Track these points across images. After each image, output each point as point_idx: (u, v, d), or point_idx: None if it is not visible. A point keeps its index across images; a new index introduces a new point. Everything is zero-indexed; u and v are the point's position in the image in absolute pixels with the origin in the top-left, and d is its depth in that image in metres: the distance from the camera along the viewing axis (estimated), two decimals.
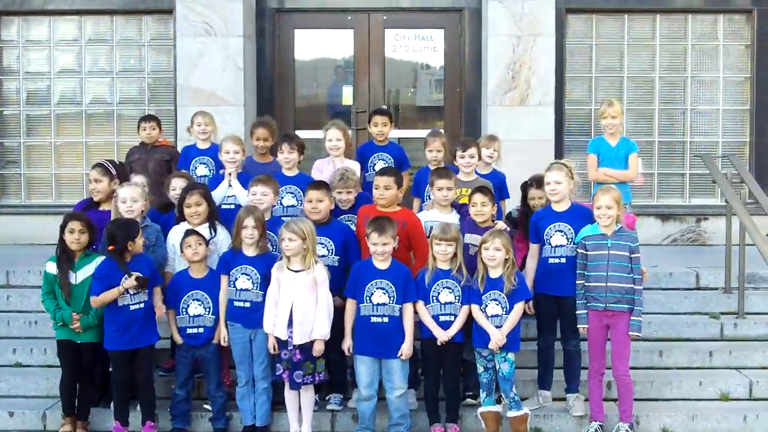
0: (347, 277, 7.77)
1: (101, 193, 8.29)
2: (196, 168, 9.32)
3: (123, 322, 7.58)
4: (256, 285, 7.68)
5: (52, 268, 7.78)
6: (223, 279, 7.79)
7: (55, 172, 13.16)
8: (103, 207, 8.25)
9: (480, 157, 8.84)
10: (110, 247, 7.52)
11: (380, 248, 7.49)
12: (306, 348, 7.49)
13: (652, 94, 12.86)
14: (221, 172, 8.88)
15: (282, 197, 8.55)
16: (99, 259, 7.71)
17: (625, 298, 7.62)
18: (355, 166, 8.91)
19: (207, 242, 7.90)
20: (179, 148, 10.46)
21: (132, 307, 7.57)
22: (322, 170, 9.05)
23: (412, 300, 7.54)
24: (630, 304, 7.63)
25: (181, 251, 7.89)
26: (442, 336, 7.55)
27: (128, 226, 7.67)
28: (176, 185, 8.57)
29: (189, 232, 7.87)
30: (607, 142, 9.29)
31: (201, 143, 9.56)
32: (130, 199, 8.03)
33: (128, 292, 7.54)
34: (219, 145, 9.03)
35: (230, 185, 8.71)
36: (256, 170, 8.79)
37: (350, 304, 7.60)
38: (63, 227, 7.76)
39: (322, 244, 7.79)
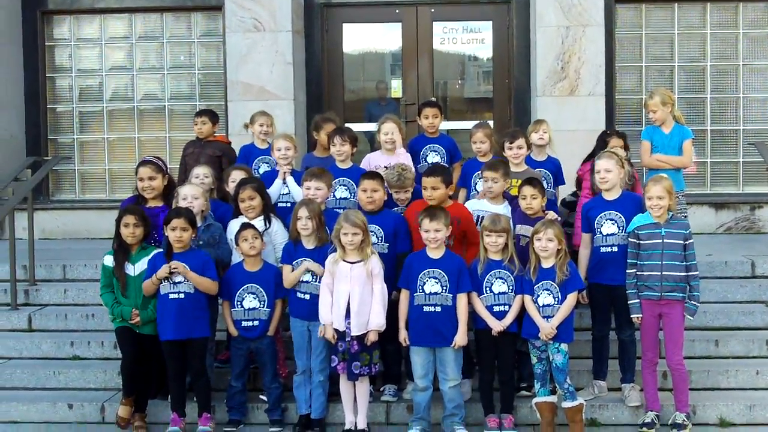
0: (397, 265, 7.80)
1: (155, 191, 8.27)
2: (258, 167, 9.38)
3: (165, 311, 7.68)
4: (316, 277, 7.72)
5: (109, 261, 7.86)
6: (286, 268, 7.82)
7: (108, 167, 13.35)
8: (151, 204, 8.25)
9: (529, 147, 8.81)
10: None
11: (432, 235, 7.48)
12: (363, 339, 7.52)
13: (704, 82, 12.76)
14: (276, 168, 8.94)
15: (335, 189, 8.57)
16: (155, 252, 7.81)
17: (679, 286, 7.57)
18: (407, 159, 8.91)
19: (262, 235, 7.94)
20: (233, 144, 10.53)
21: (171, 296, 7.65)
22: (374, 164, 9.06)
23: (466, 290, 7.53)
24: (683, 292, 7.59)
25: (237, 244, 7.93)
26: (496, 326, 7.54)
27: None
28: (236, 177, 8.61)
29: (245, 226, 7.90)
30: (661, 129, 9.24)
31: (260, 143, 9.65)
32: (191, 196, 8.07)
33: (168, 281, 7.62)
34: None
35: (284, 183, 8.76)
36: (316, 164, 8.83)
37: (404, 295, 7.60)
38: (118, 221, 7.84)
39: (372, 232, 7.80)
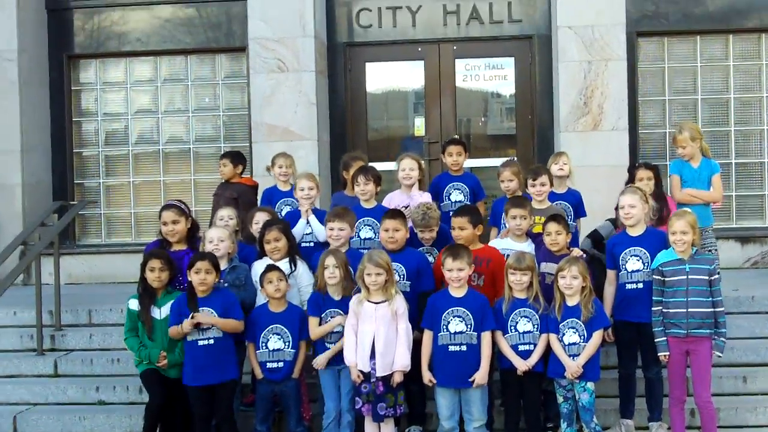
0: (419, 303, 7.78)
1: (179, 234, 8.30)
2: (281, 210, 9.38)
3: (193, 358, 7.65)
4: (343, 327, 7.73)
5: (134, 305, 7.88)
6: (313, 321, 7.82)
7: (133, 210, 13.42)
8: (175, 247, 8.28)
9: (552, 184, 8.79)
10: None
11: (455, 274, 7.47)
12: (388, 380, 7.49)
13: (727, 115, 12.70)
14: (298, 208, 8.96)
15: (360, 229, 8.59)
16: (180, 296, 7.81)
17: (706, 323, 7.51)
18: (425, 197, 8.91)
19: (287, 277, 7.94)
20: (260, 186, 10.58)
21: (200, 342, 7.63)
22: (394, 202, 9.05)
23: (490, 328, 7.49)
24: (710, 328, 7.52)
25: (261, 286, 7.92)
26: (521, 366, 7.50)
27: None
28: (259, 219, 8.62)
29: (270, 268, 7.88)
30: (689, 163, 9.22)
31: (282, 185, 9.66)
32: (217, 239, 8.10)
33: (198, 328, 7.61)
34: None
35: (308, 222, 8.78)
36: (346, 203, 8.86)
37: (427, 336, 7.57)
38: (143, 265, 7.86)
39: (394, 270, 7.75)
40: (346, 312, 7.67)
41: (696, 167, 9.24)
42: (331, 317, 7.75)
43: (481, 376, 7.42)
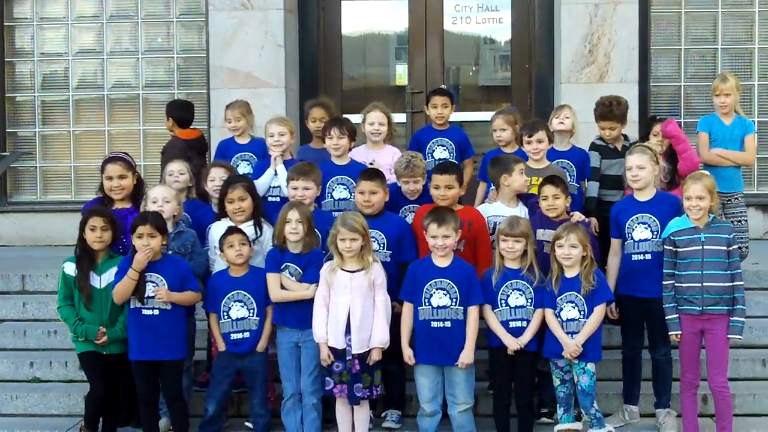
0: (400, 275, 7.82)
1: (125, 191, 8.29)
2: (237, 165, 9.35)
3: (137, 329, 7.67)
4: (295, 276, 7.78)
5: (70, 269, 7.84)
6: (273, 278, 7.82)
7: (74, 164, 13.35)
8: (118, 206, 8.26)
9: (551, 141, 8.82)
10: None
11: (440, 241, 7.50)
12: (364, 358, 7.54)
13: (751, 68, 12.74)
14: (269, 155, 8.96)
15: (332, 189, 8.61)
16: (125, 258, 7.76)
17: (723, 299, 7.54)
18: (395, 156, 8.90)
19: (251, 242, 7.95)
20: (214, 137, 10.56)
21: (144, 312, 7.64)
22: (358, 159, 9.06)
23: (478, 302, 7.53)
24: (728, 305, 7.55)
25: (221, 251, 7.92)
26: (512, 344, 7.54)
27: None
28: (215, 176, 8.62)
29: (231, 230, 7.90)
30: (721, 120, 9.25)
31: (239, 138, 9.62)
32: (162, 199, 8.07)
33: (138, 296, 7.61)
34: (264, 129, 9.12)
35: (276, 173, 8.80)
36: (312, 157, 8.91)
37: (407, 309, 7.61)
38: (83, 224, 7.82)
39: (373, 238, 7.82)
40: (304, 266, 7.74)
41: (728, 125, 9.26)
42: (290, 273, 7.77)
43: (465, 355, 7.47)
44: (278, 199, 8.70)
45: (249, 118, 9.65)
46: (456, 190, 8.00)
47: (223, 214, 8.27)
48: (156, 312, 7.65)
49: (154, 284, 7.63)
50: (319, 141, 9.37)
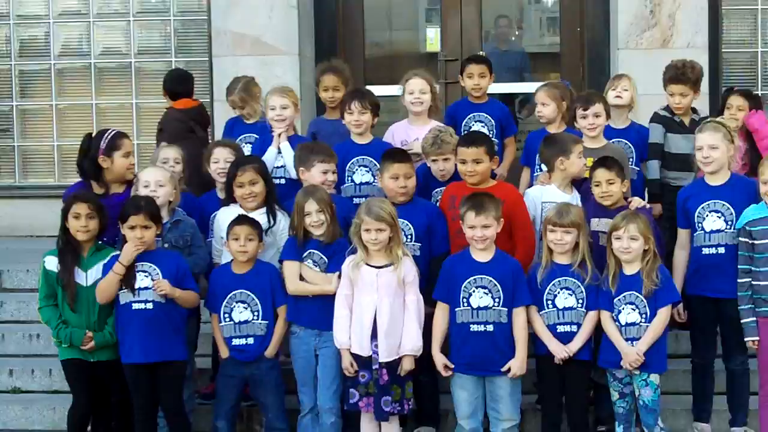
0: (431, 270, 7.83)
1: (113, 174, 8.33)
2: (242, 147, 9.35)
3: (128, 327, 7.64)
4: (320, 265, 7.79)
5: (52, 264, 7.81)
6: (291, 267, 7.82)
7: (57, 143, 13.40)
8: (96, 189, 8.30)
9: (608, 116, 8.77)
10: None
11: (479, 232, 7.46)
12: (394, 367, 7.53)
13: None
14: (272, 132, 8.96)
15: (353, 172, 8.63)
16: (113, 255, 7.74)
17: None
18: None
19: (262, 234, 7.92)
20: (218, 112, 10.55)
21: (135, 306, 7.60)
22: (398, 138, 9.07)
23: (525, 303, 7.53)
24: None
25: (225, 241, 7.91)
26: (560, 352, 7.54)
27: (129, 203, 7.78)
28: (219, 157, 8.62)
29: (241, 220, 7.86)
30: None
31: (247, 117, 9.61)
32: (155, 182, 8.03)
33: (128, 288, 7.59)
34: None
35: (279, 152, 8.80)
36: (327, 130, 8.96)
37: (441, 310, 7.60)
38: (65, 212, 7.79)
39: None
40: (330, 255, 7.75)
41: None
42: (313, 262, 7.77)
43: (517, 364, 7.45)
44: (283, 181, 8.73)
45: (254, 95, 9.60)
46: (486, 165, 7.97)
47: (231, 199, 8.26)
48: (149, 306, 7.61)
49: (147, 275, 7.62)
50: (333, 112, 9.38)
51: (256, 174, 8.15)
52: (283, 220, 8.17)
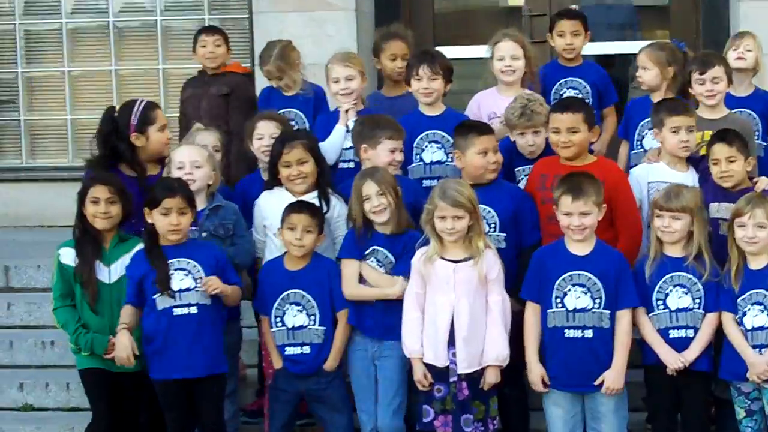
0: (519, 265, 7.84)
1: (148, 153, 8.36)
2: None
3: (169, 336, 7.61)
4: (383, 263, 7.79)
5: (68, 257, 7.83)
6: (350, 267, 7.83)
7: (70, 117, 13.50)
8: (128, 171, 8.33)
9: (730, 81, 8.72)
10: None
11: (576, 220, 7.42)
12: (475, 379, 7.50)
13: None
14: (337, 107, 8.95)
15: (422, 149, 8.63)
16: (139, 248, 7.76)
17: None
18: None
19: (323, 224, 7.90)
20: (260, 80, 10.56)
21: (177, 312, 7.59)
22: (486, 109, 9.08)
23: (631, 305, 7.49)
24: None
25: (280, 228, 7.87)
26: (673, 361, 7.49)
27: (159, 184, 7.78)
28: (264, 132, 8.63)
29: (299, 207, 7.83)
30: None
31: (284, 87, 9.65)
32: (190, 163, 8.05)
33: (166, 291, 7.57)
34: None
35: (348, 130, 8.77)
36: (386, 109, 8.86)
37: (532, 311, 7.58)
38: (83, 196, 7.82)
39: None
40: (393, 251, 7.75)
41: None
42: (377, 261, 7.78)
43: (612, 377, 7.41)
44: (353, 165, 8.70)
45: (293, 63, 9.67)
46: (583, 135, 7.98)
47: (275, 181, 8.28)
48: (193, 310, 7.60)
49: (186, 273, 7.61)
50: (393, 86, 9.45)
51: (305, 151, 8.15)
52: (338, 206, 8.20)
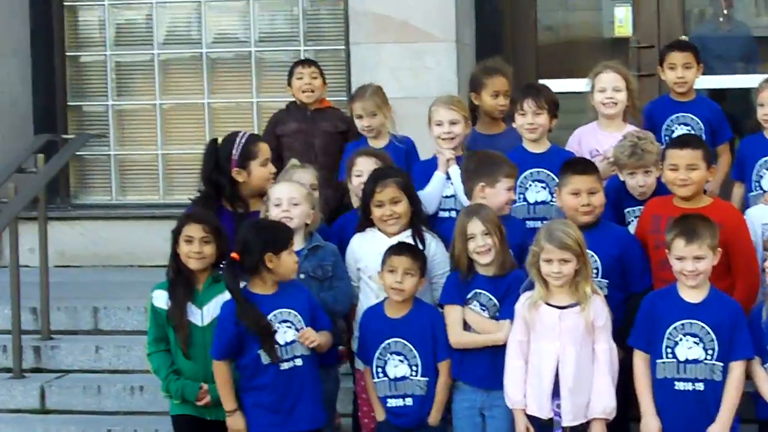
0: (627, 311, 7.77)
1: (250, 188, 8.37)
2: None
3: (271, 392, 7.55)
4: (489, 307, 7.73)
5: (161, 300, 7.84)
6: (452, 311, 7.78)
7: (162, 151, 13.59)
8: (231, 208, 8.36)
9: None
10: (233, 256, 7.50)
11: (690, 265, 7.31)
12: None
13: None
14: (435, 153, 8.88)
15: (525, 188, 8.60)
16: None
17: None
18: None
19: (425, 268, 7.85)
20: None
21: (284, 366, 7.54)
22: (586, 145, 9.06)
23: (745, 356, 7.36)
24: None
25: (379, 272, 7.84)
26: None
27: (267, 230, 7.67)
28: (363, 168, 8.60)
29: (399, 249, 7.80)
30: None
31: (374, 140, 9.61)
32: (288, 201, 8.04)
33: (269, 343, 7.48)
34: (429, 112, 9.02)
35: (448, 177, 8.74)
36: (486, 148, 8.78)
37: (641, 360, 7.50)
38: (176, 234, 7.83)
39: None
40: (501, 295, 7.69)
41: None
42: (480, 305, 7.71)
43: (717, 430, 7.31)
44: (454, 213, 8.59)
45: (386, 110, 9.65)
46: (702, 174, 7.89)
47: (368, 221, 8.27)
48: (299, 362, 7.54)
49: (289, 324, 7.55)
50: (491, 124, 9.43)
51: (398, 190, 8.11)
52: (433, 243, 8.17)
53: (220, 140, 8.53)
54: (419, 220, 8.23)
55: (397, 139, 9.51)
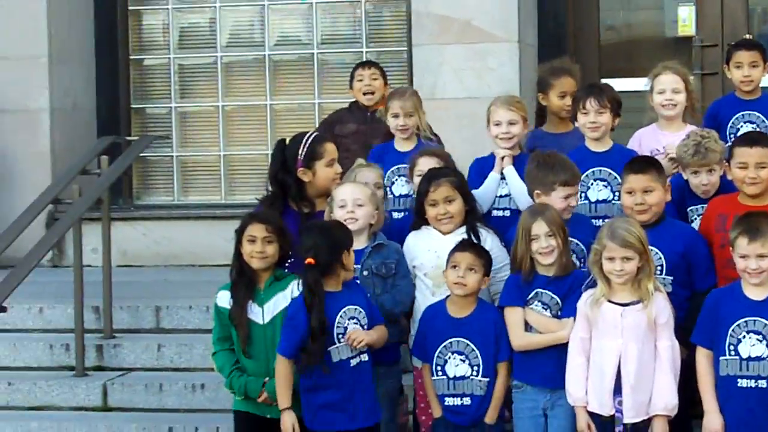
0: (691, 310, 7.71)
1: (315, 188, 8.33)
2: (392, 184, 9.28)
3: (338, 389, 7.53)
4: (551, 307, 7.68)
5: (224, 300, 7.85)
6: (513, 313, 7.73)
7: (224, 153, 13.64)
8: (297, 207, 8.31)
9: None
10: (308, 261, 7.44)
11: (753, 263, 7.23)
12: (641, 430, 7.36)
13: None
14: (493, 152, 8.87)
15: (587, 186, 8.54)
16: (295, 284, 7.71)
17: None
18: None
19: (490, 266, 7.81)
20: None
21: (353, 362, 7.54)
22: (646, 145, 9.00)
23: None
24: None
25: (444, 271, 7.81)
26: None
27: (336, 231, 7.66)
28: (424, 167, 8.55)
29: (461, 246, 7.78)
30: None
31: (401, 143, 9.49)
32: (353, 202, 8.02)
33: (340, 338, 7.49)
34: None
35: (503, 178, 8.74)
36: (553, 147, 8.72)
37: (704, 357, 7.42)
38: (240, 234, 7.81)
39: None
40: (564, 294, 7.64)
41: None
42: (542, 305, 7.66)
43: None
44: (508, 213, 8.65)
45: (421, 113, 9.57)
46: None
47: (422, 220, 8.26)
48: (365, 359, 7.55)
49: (355, 321, 7.55)
50: (559, 123, 9.40)
51: (452, 189, 8.10)
52: (489, 239, 8.14)
53: (288, 140, 8.51)
54: (474, 217, 8.22)
55: (424, 140, 9.43)
